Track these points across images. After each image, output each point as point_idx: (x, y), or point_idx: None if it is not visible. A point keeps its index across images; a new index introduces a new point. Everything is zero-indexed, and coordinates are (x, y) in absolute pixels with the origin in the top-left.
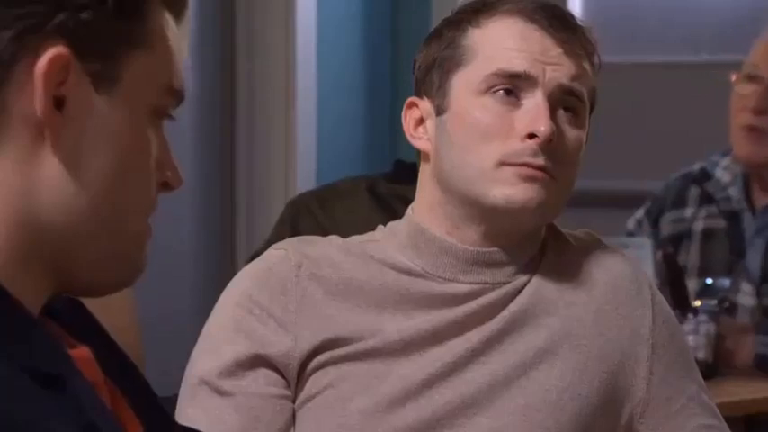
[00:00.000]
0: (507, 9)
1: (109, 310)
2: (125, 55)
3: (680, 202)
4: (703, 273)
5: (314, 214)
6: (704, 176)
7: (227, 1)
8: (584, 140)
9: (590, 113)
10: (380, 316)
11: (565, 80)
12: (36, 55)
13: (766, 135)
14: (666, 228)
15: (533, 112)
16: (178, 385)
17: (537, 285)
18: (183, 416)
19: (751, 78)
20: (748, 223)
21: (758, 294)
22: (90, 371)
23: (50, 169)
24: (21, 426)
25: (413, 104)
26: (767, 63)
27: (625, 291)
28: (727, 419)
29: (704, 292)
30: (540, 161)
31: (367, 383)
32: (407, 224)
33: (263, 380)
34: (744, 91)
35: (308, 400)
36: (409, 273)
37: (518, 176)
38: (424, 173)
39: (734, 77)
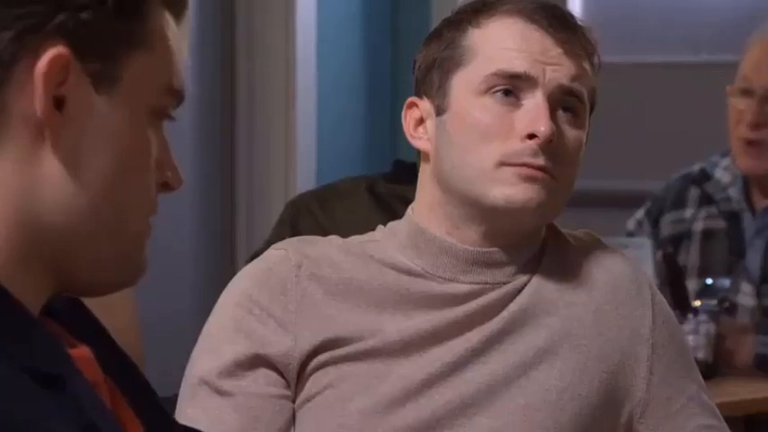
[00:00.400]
0: (507, 9)
1: (109, 310)
2: (125, 55)
3: (680, 203)
4: (703, 273)
5: (314, 214)
6: (704, 177)
7: (227, 1)
8: (584, 140)
9: (590, 114)
10: (380, 316)
11: (565, 80)
12: (36, 55)
13: (765, 148)
14: (666, 228)
15: (533, 112)
16: (178, 385)
17: (537, 285)
18: (182, 416)
19: (744, 92)
20: (748, 224)
21: (758, 295)
22: (90, 370)
23: (50, 169)
24: (21, 426)
25: (413, 104)
26: (758, 75)
27: (625, 291)
28: (727, 419)
29: (704, 292)
30: (540, 161)
31: (367, 383)
32: (407, 224)
33: (262, 380)
34: (739, 105)
35: (307, 400)
36: (409, 273)
37: (518, 176)
38: (424, 173)
39: (728, 90)
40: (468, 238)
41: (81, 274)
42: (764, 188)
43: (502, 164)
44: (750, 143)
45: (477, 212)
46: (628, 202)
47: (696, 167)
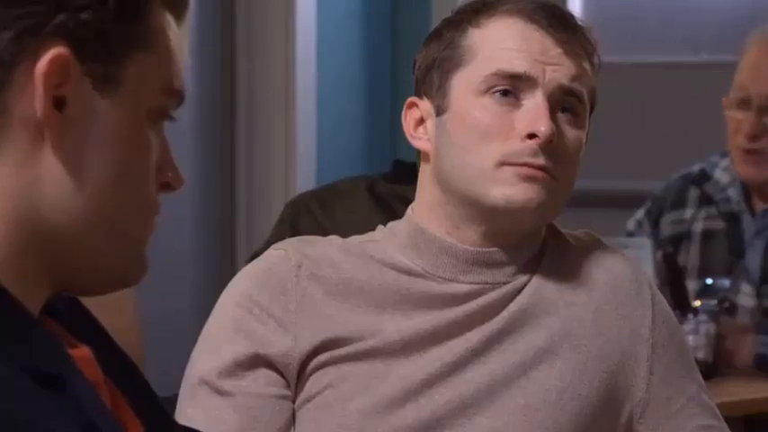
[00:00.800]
0: (507, 9)
1: (110, 310)
2: (126, 56)
3: (679, 203)
4: (703, 273)
5: (314, 214)
6: (703, 177)
7: (227, 1)
8: (584, 140)
9: (590, 114)
10: (380, 316)
11: (565, 80)
12: (36, 56)
13: (764, 156)
14: (666, 228)
15: (533, 112)
16: (178, 385)
17: (537, 285)
18: (182, 416)
19: (741, 103)
20: (747, 224)
21: (758, 295)
22: (90, 371)
23: (51, 169)
24: (21, 426)
25: (413, 104)
26: (755, 83)
27: (625, 291)
28: (727, 419)
29: (704, 292)
30: (541, 161)
31: (367, 383)
32: (407, 224)
33: (262, 380)
34: (736, 116)
35: (307, 400)
36: (409, 273)
37: (518, 176)
38: (424, 173)
39: (724, 102)
40: (468, 238)
41: (81, 273)
42: (764, 194)
43: (502, 164)
44: (749, 152)
45: (477, 212)
46: (628, 202)
47: (696, 168)
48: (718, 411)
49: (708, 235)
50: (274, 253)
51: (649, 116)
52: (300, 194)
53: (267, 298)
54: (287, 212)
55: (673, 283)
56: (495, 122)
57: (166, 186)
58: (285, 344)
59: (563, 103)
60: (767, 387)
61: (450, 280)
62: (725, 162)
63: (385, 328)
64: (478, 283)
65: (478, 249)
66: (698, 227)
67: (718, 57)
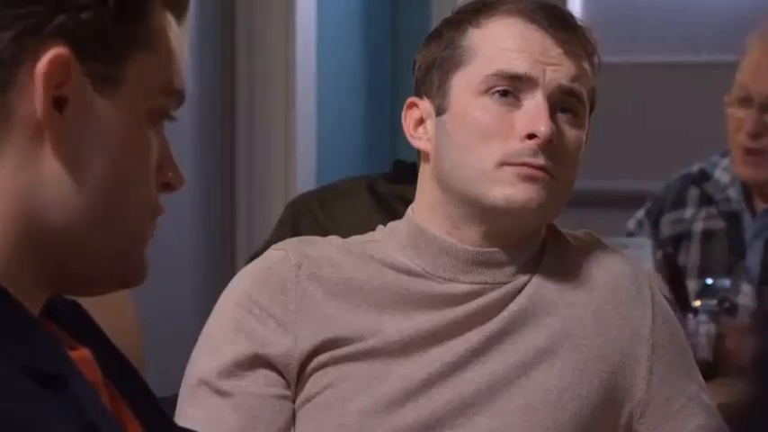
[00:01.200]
0: (507, 9)
1: (110, 311)
2: (126, 56)
3: (679, 203)
4: (703, 273)
5: (314, 214)
6: (703, 177)
7: (227, 1)
8: (584, 140)
9: (590, 114)
10: (380, 316)
11: (565, 81)
12: (36, 56)
13: (764, 157)
14: (666, 228)
15: (533, 112)
16: (178, 385)
17: (537, 285)
18: (182, 416)
19: (742, 101)
20: (748, 224)
21: (758, 296)
22: (90, 372)
23: (50, 170)
24: (21, 426)
25: (413, 104)
26: (756, 82)
27: (625, 291)
28: None
29: (704, 292)
30: (541, 161)
31: (367, 383)
32: (407, 224)
33: (262, 380)
34: (737, 114)
35: (307, 400)
36: (409, 273)
37: (518, 176)
38: (424, 173)
39: (726, 100)
40: (468, 238)
41: (81, 273)
42: (764, 194)
43: (502, 164)
44: (749, 152)
45: (478, 212)
46: (628, 202)
47: (696, 168)
48: (718, 411)
49: (708, 235)
50: (274, 253)
51: (649, 116)
52: (300, 195)
53: (267, 298)
54: (287, 213)
55: (673, 283)
56: (495, 122)
57: (167, 186)
58: (285, 344)
59: (563, 103)
60: None
61: (451, 280)
62: (725, 162)
63: (385, 328)
64: (478, 283)
65: (478, 249)
66: (698, 227)
67: (718, 57)
